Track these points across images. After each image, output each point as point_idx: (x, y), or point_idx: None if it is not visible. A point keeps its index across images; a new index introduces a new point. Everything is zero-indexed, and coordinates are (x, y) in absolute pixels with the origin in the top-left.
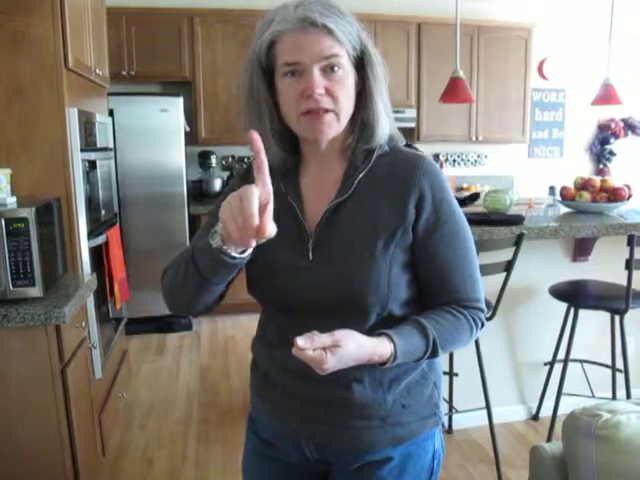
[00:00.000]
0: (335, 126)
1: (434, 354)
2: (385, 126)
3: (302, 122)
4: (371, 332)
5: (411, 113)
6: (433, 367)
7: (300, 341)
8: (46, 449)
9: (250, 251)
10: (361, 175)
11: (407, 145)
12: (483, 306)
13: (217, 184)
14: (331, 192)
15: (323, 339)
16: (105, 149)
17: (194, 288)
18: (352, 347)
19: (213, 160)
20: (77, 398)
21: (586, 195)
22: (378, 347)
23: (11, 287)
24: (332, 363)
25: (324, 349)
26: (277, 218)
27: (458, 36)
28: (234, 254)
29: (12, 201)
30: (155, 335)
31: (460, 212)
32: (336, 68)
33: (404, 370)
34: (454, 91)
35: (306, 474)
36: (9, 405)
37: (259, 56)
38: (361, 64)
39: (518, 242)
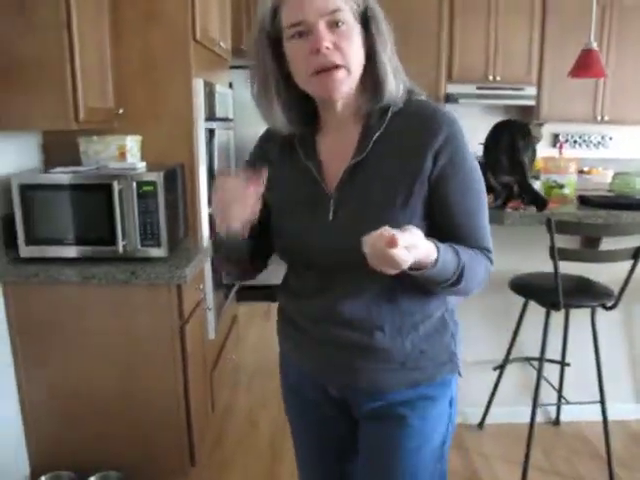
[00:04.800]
0: (347, 81)
1: (459, 279)
2: (393, 82)
3: (314, 81)
4: (388, 288)
5: (531, 91)
6: (453, 317)
7: (400, 239)
8: (164, 398)
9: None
10: (377, 134)
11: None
12: (492, 257)
13: None
14: (348, 154)
15: (407, 238)
16: (225, 119)
17: (231, 265)
18: (423, 247)
19: None
20: (193, 355)
21: None
22: (430, 249)
23: (139, 246)
24: (410, 262)
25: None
26: (297, 184)
27: (594, 4)
28: (226, 238)
29: (142, 166)
30: (263, 303)
31: (474, 163)
32: (340, 23)
33: (421, 318)
34: (585, 65)
35: (334, 408)
36: (135, 353)
37: (264, 25)
38: (365, 21)
39: None
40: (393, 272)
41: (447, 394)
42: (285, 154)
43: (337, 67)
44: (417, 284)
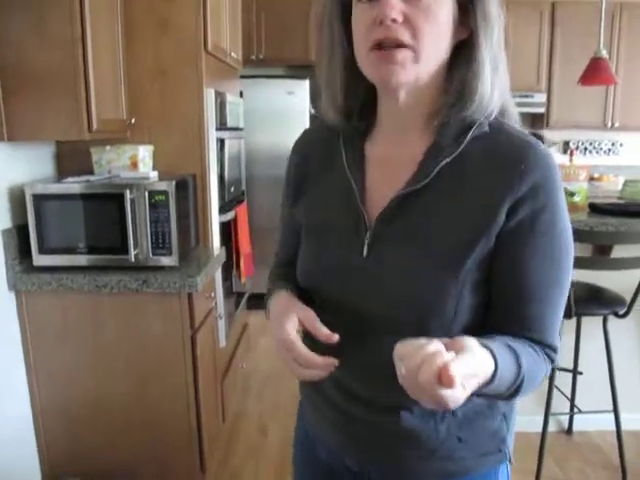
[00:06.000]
0: (411, 69)
1: (514, 394)
2: (488, 89)
3: (371, 58)
4: None
5: (540, 98)
6: None
7: (456, 373)
8: (174, 406)
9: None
10: (446, 160)
11: (534, 134)
12: (556, 358)
13: None
14: (404, 174)
15: (463, 368)
16: (236, 129)
17: None
18: (482, 373)
19: None
20: (204, 364)
21: None
22: (488, 367)
23: (151, 255)
24: (464, 399)
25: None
26: (332, 198)
27: (603, 12)
28: None
29: (154, 175)
30: None
31: (567, 225)
32: None
33: None
34: (595, 72)
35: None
36: (146, 362)
37: None
38: (468, 0)
39: None
40: (432, 408)
41: None
42: (327, 157)
43: (401, 46)
44: None
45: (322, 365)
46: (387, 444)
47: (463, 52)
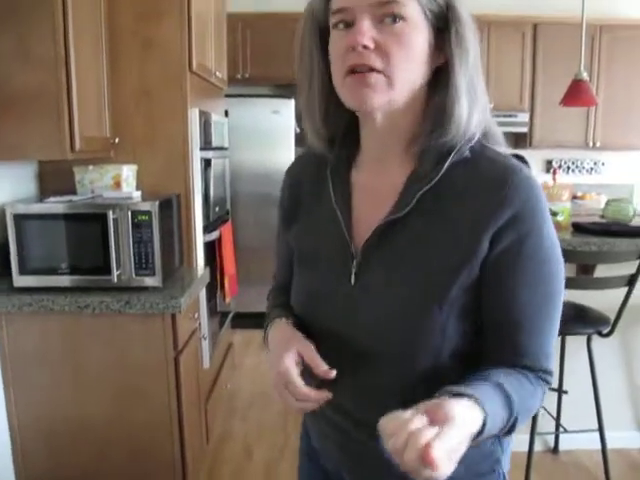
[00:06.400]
0: (384, 92)
1: (507, 434)
2: (464, 113)
3: (347, 83)
4: (414, 385)
5: (523, 117)
6: None
7: (439, 452)
8: (157, 430)
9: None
10: (425, 188)
11: (515, 157)
12: (552, 380)
13: None
14: (387, 202)
15: (448, 441)
16: (220, 148)
17: None
18: (468, 436)
19: None
20: (187, 386)
21: None
22: (474, 423)
23: (134, 275)
24: (451, 471)
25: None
26: (320, 227)
27: (584, 36)
28: None
29: (137, 195)
30: (259, 330)
31: (555, 248)
32: (398, 18)
33: None
34: (576, 94)
35: None
36: (128, 384)
37: (314, 8)
38: (443, 24)
39: None
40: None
41: None
42: (316, 186)
43: (373, 71)
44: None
45: (315, 399)
46: (384, 464)
47: (441, 77)
